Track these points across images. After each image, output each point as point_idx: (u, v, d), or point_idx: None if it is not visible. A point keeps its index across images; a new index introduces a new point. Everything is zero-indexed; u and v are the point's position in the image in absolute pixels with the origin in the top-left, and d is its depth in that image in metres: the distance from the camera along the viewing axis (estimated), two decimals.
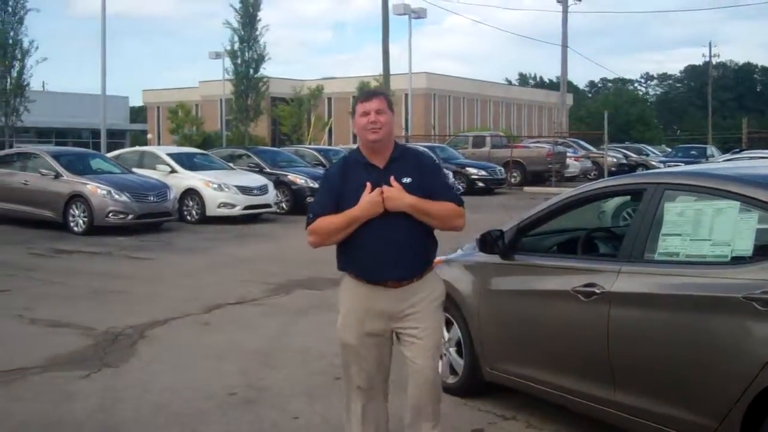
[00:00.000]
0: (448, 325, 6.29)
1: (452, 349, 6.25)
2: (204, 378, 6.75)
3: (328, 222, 4.25)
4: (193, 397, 6.25)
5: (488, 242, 5.71)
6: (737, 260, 4.29)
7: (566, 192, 5.81)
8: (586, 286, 4.91)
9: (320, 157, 25.91)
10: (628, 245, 4.91)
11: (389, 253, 4.26)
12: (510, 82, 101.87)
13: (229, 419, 5.82)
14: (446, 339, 6.29)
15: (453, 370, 6.27)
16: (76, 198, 16.91)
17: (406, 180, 4.28)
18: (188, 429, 5.66)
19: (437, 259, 6.75)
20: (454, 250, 6.74)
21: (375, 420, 4.55)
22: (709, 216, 4.52)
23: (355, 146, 4.64)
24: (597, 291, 4.82)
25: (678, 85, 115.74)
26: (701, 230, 4.52)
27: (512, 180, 31.88)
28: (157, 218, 17.71)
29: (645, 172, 6.51)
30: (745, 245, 4.30)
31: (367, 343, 4.39)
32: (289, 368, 7.02)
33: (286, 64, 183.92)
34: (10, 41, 28.12)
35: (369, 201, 4.19)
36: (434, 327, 4.45)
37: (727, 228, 4.41)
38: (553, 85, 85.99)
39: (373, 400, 4.53)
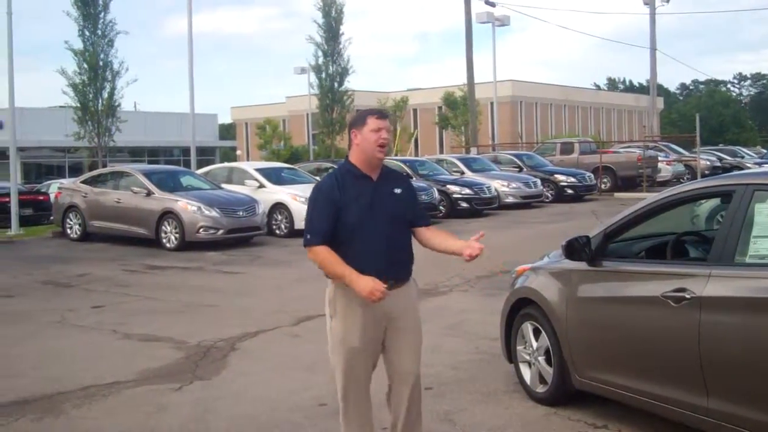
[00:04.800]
0: (536, 333, 6.25)
1: (541, 358, 6.18)
2: (294, 389, 6.82)
3: (326, 260, 4.49)
4: (284, 408, 6.33)
5: (575, 249, 5.67)
6: None
7: (653, 196, 5.70)
8: (675, 291, 4.81)
9: (406, 168, 25.85)
10: (718, 248, 4.80)
11: (389, 255, 4.55)
12: (599, 87, 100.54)
13: (319, 429, 5.87)
14: (534, 348, 6.24)
15: (542, 379, 6.20)
16: (168, 215, 17.31)
17: (397, 190, 4.67)
18: None
19: (522, 267, 6.76)
20: (540, 258, 6.68)
21: (368, 409, 4.83)
22: None
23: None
24: (687, 296, 4.72)
25: None
26: None
27: (602, 186, 31.33)
28: (246, 233, 17.96)
29: (734, 173, 6.32)
30: None
31: (369, 343, 4.62)
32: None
33: (371, 77, 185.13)
34: (101, 63, 28.89)
35: (371, 291, 4.34)
36: (418, 326, 4.78)
37: None
38: (642, 89, 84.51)
39: (366, 393, 4.79)
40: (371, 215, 4.51)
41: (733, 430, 4.53)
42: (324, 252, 4.50)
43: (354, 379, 4.65)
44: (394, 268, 4.59)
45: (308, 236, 4.58)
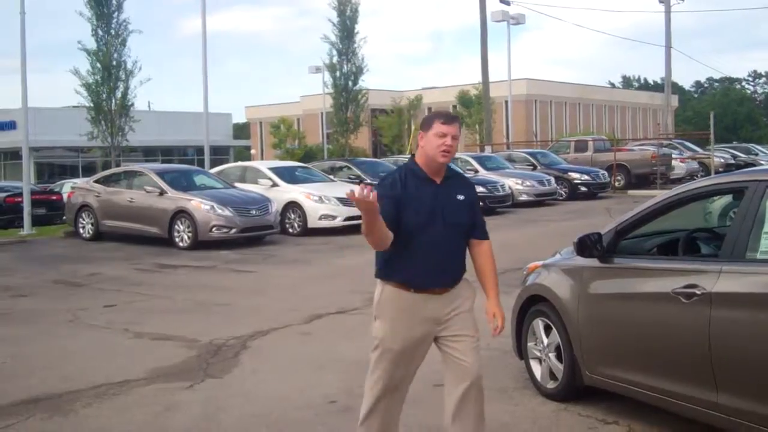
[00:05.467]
0: (547, 329, 6.25)
1: (552, 354, 6.18)
2: (305, 387, 6.81)
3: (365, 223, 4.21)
4: (294, 406, 6.32)
5: (586, 246, 5.66)
6: None
7: (665, 193, 5.67)
8: (686, 287, 4.79)
9: None
10: (729, 245, 4.77)
11: (441, 263, 4.47)
12: (613, 85, 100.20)
13: (330, 427, 5.87)
14: (545, 344, 6.23)
15: (553, 375, 6.19)
16: (181, 214, 17.34)
17: (460, 197, 4.57)
18: None
19: (534, 264, 6.73)
20: (552, 255, 6.65)
21: (395, 415, 4.70)
22: None
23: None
24: (698, 292, 4.70)
25: None
26: None
27: (616, 183, 31.26)
28: (259, 231, 17.96)
29: (747, 170, 6.28)
30: None
31: (412, 347, 4.52)
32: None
33: (385, 76, 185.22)
34: (114, 63, 29.00)
35: (357, 193, 4.05)
36: (474, 326, 4.64)
37: None
38: (657, 87, 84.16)
39: (401, 397, 4.66)
40: (431, 220, 4.41)
41: (743, 425, 4.51)
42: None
43: (390, 383, 4.55)
44: (446, 275, 4.52)
45: None
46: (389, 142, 52.35)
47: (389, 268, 4.50)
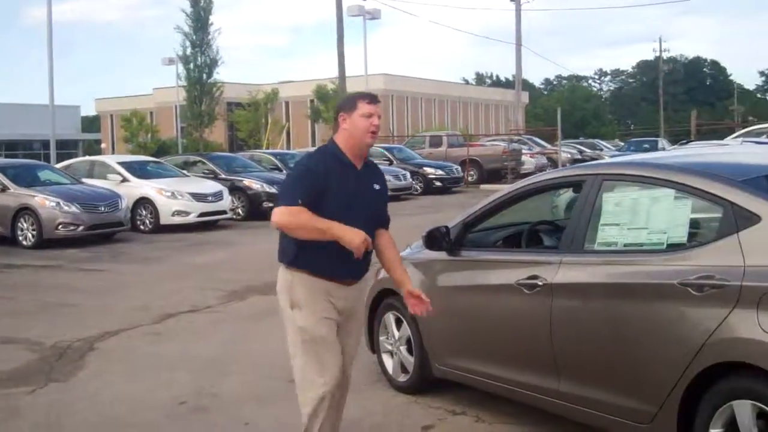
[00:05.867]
0: (398, 323, 6.31)
1: (403, 348, 6.24)
2: (154, 388, 6.65)
3: (304, 218, 4.12)
4: (143, 408, 6.16)
5: (435, 239, 5.72)
6: (673, 247, 4.32)
7: (509, 187, 5.82)
8: (529, 278, 4.93)
9: (276, 162, 25.82)
10: (568, 237, 4.93)
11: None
12: (467, 82, 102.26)
13: (179, 429, 5.76)
14: (396, 337, 6.29)
15: (404, 369, 6.26)
16: (24, 211, 16.58)
17: (377, 186, 4.50)
18: None
19: None
20: (402, 248, 6.71)
21: (337, 409, 4.55)
22: (646, 205, 4.57)
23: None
24: (539, 283, 4.84)
25: (630, 80, 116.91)
26: (638, 219, 4.56)
27: (469, 178, 32.07)
28: (108, 229, 17.40)
29: (584, 163, 6.53)
30: (681, 232, 4.33)
31: (334, 331, 4.41)
32: (242, 374, 6.95)
33: (243, 69, 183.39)
34: None
35: (359, 246, 4.10)
36: (362, 325, 4.71)
37: (663, 216, 4.44)
38: (509, 84, 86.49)
39: (341, 387, 4.49)
40: (350, 208, 4.25)
41: (583, 411, 4.67)
42: (303, 211, 4.12)
43: (333, 375, 4.35)
44: (359, 265, 4.40)
45: (284, 200, 4.21)
46: (246, 137, 51.77)
47: (302, 256, 4.32)
